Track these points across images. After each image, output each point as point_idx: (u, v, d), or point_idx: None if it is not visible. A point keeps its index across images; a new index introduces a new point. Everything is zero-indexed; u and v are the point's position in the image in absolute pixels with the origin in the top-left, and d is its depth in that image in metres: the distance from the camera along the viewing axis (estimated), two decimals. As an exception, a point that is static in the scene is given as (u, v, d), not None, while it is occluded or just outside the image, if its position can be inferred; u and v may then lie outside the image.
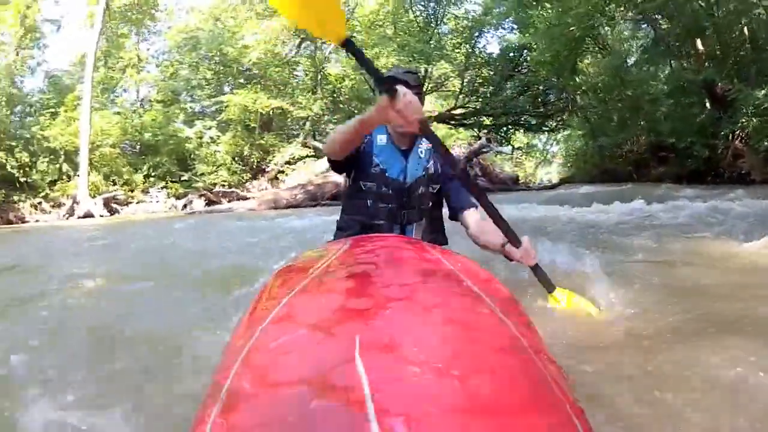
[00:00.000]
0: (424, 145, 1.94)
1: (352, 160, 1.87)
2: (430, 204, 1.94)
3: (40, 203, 17.69)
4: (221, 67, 19.49)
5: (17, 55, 19.12)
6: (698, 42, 13.22)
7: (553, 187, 20.42)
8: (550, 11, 16.65)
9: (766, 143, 10.44)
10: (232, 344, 0.87)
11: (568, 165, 24.59)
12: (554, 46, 15.71)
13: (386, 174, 1.95)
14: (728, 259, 3.33)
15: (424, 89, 20.14)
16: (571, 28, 14.61)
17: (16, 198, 17.43)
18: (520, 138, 24.80)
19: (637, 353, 1.88)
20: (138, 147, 18.63)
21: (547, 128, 23.09)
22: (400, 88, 1.40)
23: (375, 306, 0.78)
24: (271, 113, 19.06)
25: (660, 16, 14.60)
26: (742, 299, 2.42)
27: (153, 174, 17.93)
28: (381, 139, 1.96)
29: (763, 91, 10.08)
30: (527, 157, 27.98)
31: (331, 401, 0.53)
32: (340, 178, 15.67)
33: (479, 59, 20.91)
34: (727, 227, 4.46)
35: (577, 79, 17.81)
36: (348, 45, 1.58)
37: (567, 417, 0.56)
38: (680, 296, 2.49)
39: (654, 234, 4.41)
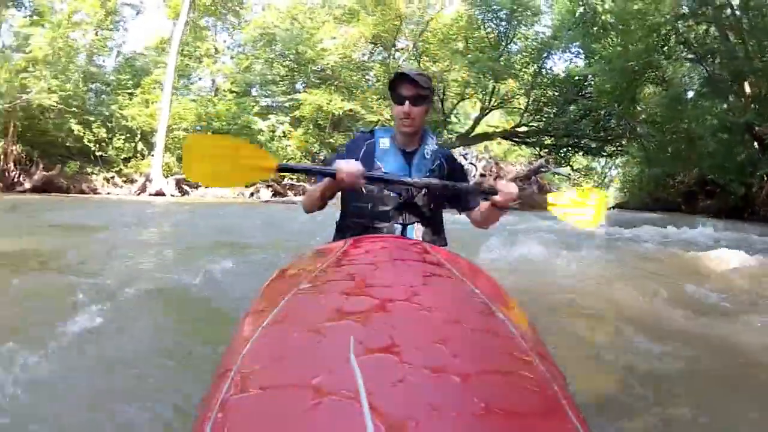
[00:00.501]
0: (431, 146, 1.97)
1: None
2: (432, 206, 1.96)
3: (112, 177, 19.05)
4: (295, 65, 19.39)
5: (96, 35, 20.71)
6: (746, 85, 14.87)
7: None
8: (613, 41, 18.76)
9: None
10: (232, 344, 0.89)
11: (624, 190, 26.22)
12: (615, 77, 17.40)
13: None
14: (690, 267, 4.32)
15: (490, 104, 23.85)
16: (630, 63, 16.34)
17: (89, 170, 18.64)
18: (579, 159, 26.95)
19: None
20: (210, 134, 18.83)
21: (606, 153, 24.73)
22: (337, 165, 1.69)
23: (374, 307, 0.79)
24: (341, 114, 20.84)
25: (711, 58, 16.34)
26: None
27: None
28: (384, 143, 1.97)
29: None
30: (585, 179, 27.24)
31: (328, 402, 0.54)
32: None
33: (545, 80, 22.71)
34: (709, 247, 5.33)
35: (638, 108, 19.61)
36: (281, 169, 1.84)
37: (567, 418, 0.57)
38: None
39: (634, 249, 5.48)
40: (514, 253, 4.19)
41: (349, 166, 1.68)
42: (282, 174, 19.56)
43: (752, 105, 14.34)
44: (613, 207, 22.62)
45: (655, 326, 2.44)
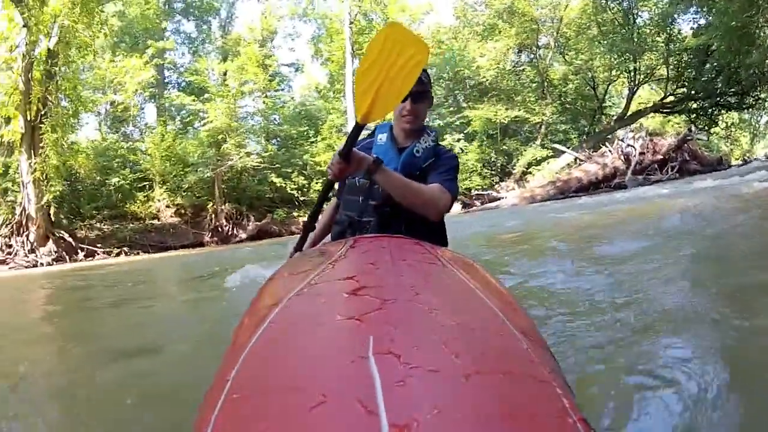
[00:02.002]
0: (424, 144, 1.89)
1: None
2: None
3: None
4: (452, 84, 20.11)
5: (266, 97, 22.47)
6: None
7: (744, 163, 23.84)
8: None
9: None
10: (233, 344, 0.88)
11: None
12: (727, 33, 17.99)
13: None
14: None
15: (636, 81, 24.18)
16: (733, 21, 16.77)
17: (295, 213, 20.09)
18: (732, 115, 26.91)
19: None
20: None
21: (746, 105, 24.51)
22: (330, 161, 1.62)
23: (377, 307, 0.77)
24: (508, 121, 21.76)
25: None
26: None
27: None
28: (381, 138, 1.95)
29: None
30: (741, 132, 26.57)
31: (336, 403, 0.52)
32: (582, 173, 18.90)
33: (677, 46, 23.09)
34: None
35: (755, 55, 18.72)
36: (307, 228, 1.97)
37: (567, 419, 0.56)
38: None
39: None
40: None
41: (334, 159, 1.62)
42: (467, 187, 20.10)
43: None
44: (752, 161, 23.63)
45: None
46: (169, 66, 23.87)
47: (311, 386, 0.56)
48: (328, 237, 2.06)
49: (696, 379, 1.48)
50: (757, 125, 31.45)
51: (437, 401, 0.52)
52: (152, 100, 22.39)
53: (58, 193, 15.93)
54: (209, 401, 0.66)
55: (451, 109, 22.87)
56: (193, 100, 20.29)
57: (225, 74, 21.77)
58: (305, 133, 21.43)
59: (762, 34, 18.14)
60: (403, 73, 1.51)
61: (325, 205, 2.07)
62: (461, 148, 21.28)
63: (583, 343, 1.83)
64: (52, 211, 16.33)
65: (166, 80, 23.74)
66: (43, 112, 15.58)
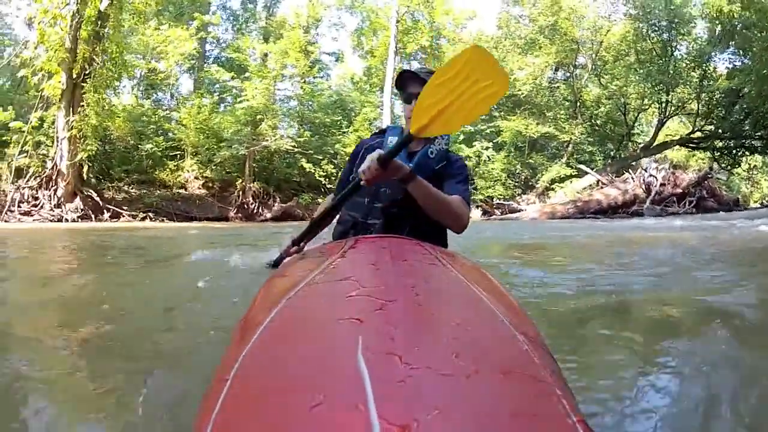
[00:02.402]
0: (437, 146, 1.90)
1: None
2: None
3: None
4: None
5: (305, 82, 23.01)
6: None
7: (762, 207, 24.28)
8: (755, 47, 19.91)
9: None
10: (233, 344, 0.87)
11: None
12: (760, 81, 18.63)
13: None
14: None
15: (667, 113, 24.60)
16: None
17: (320, 200, 19.81)
18: (756, 158, 27.31)
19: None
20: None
21: None
22: (365, 164, 1.56)
23: (374, 307, 0.77)
24: (537, 136, 22.27)
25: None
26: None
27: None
28: (391, 140, 1.93)
29: None
30: (763, 176, 27.02)
31: (335, 403, 0.53)
32: (602, 196, 19.55)
33: (711, 83, 23.42)
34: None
35: None
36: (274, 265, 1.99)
37: (567, 419, 0.57)
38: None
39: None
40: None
41: (370, 165, 1.57)
42: (490, 195, 20.30)
43: None
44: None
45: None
46: (211, 40, 23.97)
47: (311, 386, 0.57)
48: (324, 235, 2.05)
49: (693, 381, 1.55)
50: None
51: (437, 401, 0.53)
52: (191, 72, 22.45)
53: (93, 152, 16.20)
54: (209, 401, 0.66)
55: (483, 116, 23.13)
56: (233, 77, 20.37)
57: (266, 55, 21.82)
58: (338, 122, 21.61)
59: None
60: (476, 99, 1.47)
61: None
62: (488, 156, 21.51)
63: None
64: (85, 170, 16.66)
65: (207, 54, 23.78)
66: (87, 72, 15.82)
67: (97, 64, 16.12)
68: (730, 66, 23.49)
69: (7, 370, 1.61)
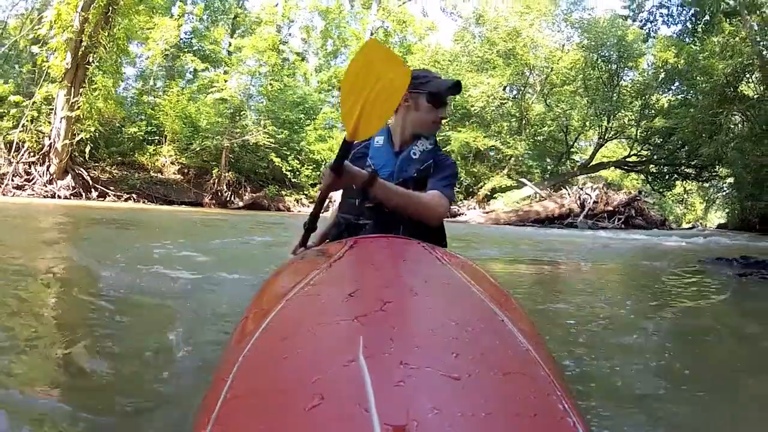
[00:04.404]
0: (422, 147, 2.16)
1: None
2: None
3: (301, 199, 27.03)
4: None
5: (274, 80, 28.12)
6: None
7: (690, 228, 32.24)
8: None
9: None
10: (232, 344, 1.01)
11: (726, 212, 33.56)
12: (693, 121, 25.14)
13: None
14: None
15: (606, 136, 32.04)
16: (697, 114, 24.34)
17: (284, 193, 26.63)
18: (687, 183, 34.55)
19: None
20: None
21: (703, 179, 31.95)
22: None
23: (374, 307, 0.86)
24: (484, 148, 28.68)
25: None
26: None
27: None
28: (378, 140, 2.22)
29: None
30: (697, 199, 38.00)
31: (334, 403, 0.60)
32: (541, 208, 23.65)
33: (651, 112, 30.29)
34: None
35: (723, 136, 25.13)
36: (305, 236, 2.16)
37: (567, 419, 0.65)
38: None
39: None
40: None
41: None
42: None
43: None
44: (692, 227, 32.16)
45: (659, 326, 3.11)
46: (186, 29, 28.56)
47: (310, 387, 0.63)
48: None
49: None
50: (713, 196, 39.08)
51: (436, 401, 0.58)
52: (169, 60, 26.87)
53: (91, 132, 20.40)
54: (208, 401, 0.75)
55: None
56: (206, 68, 25.10)
57: (240, 50, 26.78)
58: (301, 120, 27.66)
59: (725, 127, 24.75)
60: (384, 96, 1.68)
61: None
62: None
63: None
64: (87, 150, 21.20)
65: (183, 43, 28.25)
66: (92, 54, 19.67)
67: (104, 47, 19.96)
68: (672, 98, 30.54)
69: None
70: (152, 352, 2.06)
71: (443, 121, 2.30)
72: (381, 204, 1.98)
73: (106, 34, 19.86)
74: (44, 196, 19.36)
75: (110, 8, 19.99)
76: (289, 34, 30.75)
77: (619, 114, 30.00)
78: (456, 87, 2.17)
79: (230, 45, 29.17)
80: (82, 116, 19.75)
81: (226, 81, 24.82)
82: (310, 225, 2.10)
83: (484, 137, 28.02)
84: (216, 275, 3.89)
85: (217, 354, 1.55)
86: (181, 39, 28.50)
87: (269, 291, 1.31)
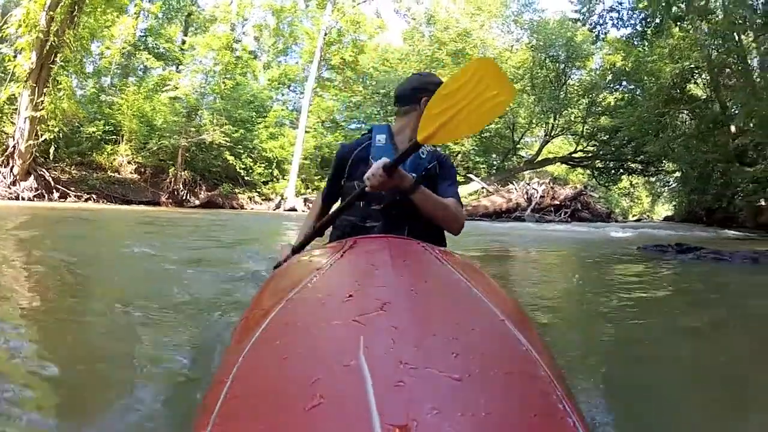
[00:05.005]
0: (427, 147, 2.31)
1: (340, 176, 2.49)
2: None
3: (253, 196, 30.02)
4: (386, 101, 33.16)
5: (228, 79, 30.56)
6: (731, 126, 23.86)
7: (637, 221, 36.04)
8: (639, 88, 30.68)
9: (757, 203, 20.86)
10: (232, 344, 1.06)
11: (673, 204, 37.94)
12: (639, 120, 27.81)
13: None
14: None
15: (552, 132, 38.25)
16: (644, 114, 26.94)
17: (237, 190, 29.53)
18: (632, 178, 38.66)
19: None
20: (319, 160, 27.70)
21: (649, 173, 36.01)
22: (371, 170, 1.98)
23: (376, 307, 0.89)
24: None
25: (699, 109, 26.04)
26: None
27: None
28: (380, 139, 2.37)
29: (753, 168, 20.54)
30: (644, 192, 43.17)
31: (334, 403, 0.62)
32: (489, 203, 27.54)
33: (598, 109, 34.00)
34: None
35: (668, 133, 27.95)
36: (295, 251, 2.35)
37: (567, 419, 0.68)
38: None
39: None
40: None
41: (282, 255, 2.41)
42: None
43: (734, 141, 21.92)
44: (638, 219, 36.59)
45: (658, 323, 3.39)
46: (142, 29, 30.58)
47: (311, 387, 0.65)
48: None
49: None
50: (660, 190, 43.14)
51: (437, 401, 0.61)
52: (125, 58, 28.82)
53: (54, 133, 21.29)
54: (208, 402, 0.79)
55: (383, 123, 31.21)
56: (161, 66, 27.38)
57: (194, 48, 29.01)
58: (253, 118, 31.05)
59: (671, 125, 27.52)
60: (482, 109, 1.83)
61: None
62: None
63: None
64: (51, 150, 22.32)
65: (138, 41, 30.22)
66: (56, 54, 20.33)
67: (69, 47, 20.85)
68: (620, 96, 33.98)
69: None
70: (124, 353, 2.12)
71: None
72: (388, 206, 2.19)
73: (72, 33, 20.82)
74: (8, 198, 20.31)
75: (76, 7, 20.78)
76: (243, 33, 33.20)
77: (566, 111, 33.93)
78: None
79: (184, 43, 31.77)
80: (46, 116, 20.75)
81: (179, 79, 27.10)
82: (320, 230, 2.28)
83: (434, 136, 30.49)
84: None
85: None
86: (137, 37, 31.05)
87: (269, 291, 1.40)
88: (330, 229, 2.42)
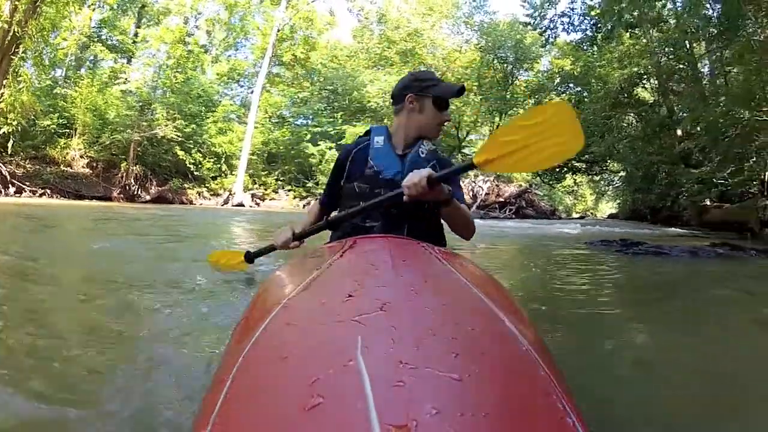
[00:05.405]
0: (427, 146, 2.47)
1: (339, 179, 2.61)
2: (426, 205, 2.36)
3: (202, 192, 32.21)
4: (333, 97, 36.11)
5: (178, 72, 32.30)
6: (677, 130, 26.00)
7: (581, 218, 39.20)
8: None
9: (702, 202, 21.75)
10: (232, 345, 1.11)
11: (617, 202, 40.63)
12: (588, 118, 30.04)
13: (380, 176, 2.46)
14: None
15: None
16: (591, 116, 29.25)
17: (186, 186, 31.61)
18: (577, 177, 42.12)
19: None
20: (266, 156, 32.24)
21: (594, 172, 38.76)
22: (411, 179, 2.05)
23: (375, 307, 0.91)
24: None
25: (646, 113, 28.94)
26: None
27: (281, 179, 34.35)
28: (378, 141, 2.49)
29: (698, 170, 21.73)
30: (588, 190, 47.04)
31: (333, 403, 0.64)
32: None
33: None
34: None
35: (614, 135, 30.20)
36: (248, 257, 3.09)
37: (567, 419, 0.69)
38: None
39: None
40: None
41: (279, 238, 2.68)
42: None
43: (680, 144, 22.86)
44: (582, 217, 39.31)
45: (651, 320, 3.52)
46: (96, 21, 32.06)
47: (310, 387, 0.68)
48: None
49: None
50: (604, 188, 46.21)
51: (436, 401, 0.63)
52: (79, 50, 30.41)
53: (13, 126, 22.02)
54: (208, 401, 0.82)
55: (330, 119, 33.10)
56: (114, 59, 30.55)
57: (146, 41, 31.95)
58: (202, 113, 33.24)
59: (617, 127, 29.35)
60: (547, 152, 1.87)
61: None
62: (332, 156, 32.52)
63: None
64: (10, 144, 23.14)
65: (93, 32, 31.84)
66: (18, 45, 20.71)
67: (30, 38, 21.40)
68: (566, 97, 36.97)
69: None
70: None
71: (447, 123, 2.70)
72: (388, 206, 2.27)
73: (35, 23, 21.17)
74: (-35, 193, 22.55)
75: (38, -3, 22.44)
76: (196, 27, 34.65)
77: (512, 111, 37.02)
78: (461, 91, 2.51)
79: (136, 35, 33.27)
80: (5, 109, 21.24)
81: (131, 72, 29.03)
82: (328, 224, 2.43)
83: (378, 131, 32.92)
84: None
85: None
86: (92, 28, 32.88)
87: (269, 291, 1.45)
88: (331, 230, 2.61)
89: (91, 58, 32.02)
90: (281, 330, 0.97)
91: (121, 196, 27.56)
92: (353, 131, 33.38)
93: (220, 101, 34.28)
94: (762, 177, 15.05)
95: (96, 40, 32.38)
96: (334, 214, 2.56)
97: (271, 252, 2.99)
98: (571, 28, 29.46)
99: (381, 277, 1.20)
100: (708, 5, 19.08)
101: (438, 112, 2.48)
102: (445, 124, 2.58)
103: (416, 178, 1.99)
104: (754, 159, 15.26)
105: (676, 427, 1.76)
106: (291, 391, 0.70)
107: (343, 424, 0.60)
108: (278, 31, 34.44)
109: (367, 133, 2.64)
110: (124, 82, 28.28)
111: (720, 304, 4.19)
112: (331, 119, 35.52)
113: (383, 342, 0.78)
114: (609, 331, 3.08)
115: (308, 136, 34.27)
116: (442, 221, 2.48)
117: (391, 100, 2.67)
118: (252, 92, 36.48)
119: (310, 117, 36.80)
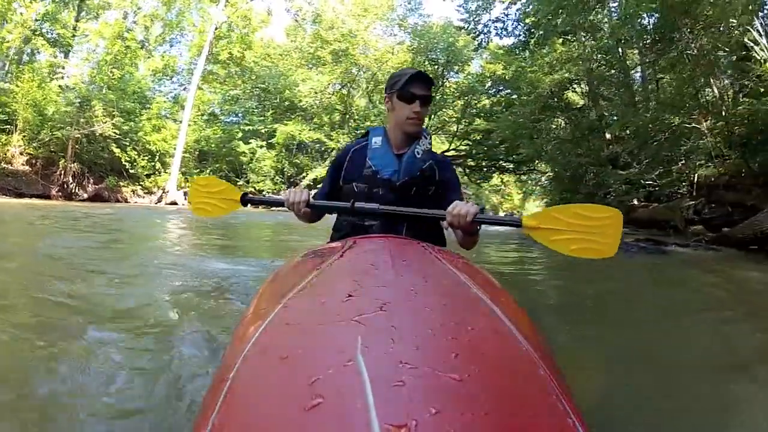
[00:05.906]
0: (422, 146, 2.57)
1: (336, 182, 2.77)
2: (426, 205, 2.43)
3: (136, 190, 35.45)
4: (264, 95, 39.18)
5: (115, 68, 34.68)
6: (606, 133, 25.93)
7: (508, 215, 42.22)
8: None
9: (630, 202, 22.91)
10: (232, 344, 1.14)
11: (545, 201, 42.99)
12: (514, 125, 31.89)
13: (378, 175, 2.58)
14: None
15: (430, 130, 41.08)
16: (520, 119, 30.75)
17: (121, 184, 34.67)
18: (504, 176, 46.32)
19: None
20: (197, 154, 38.40)
21: (522, 172, 42.23)
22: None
23: (375, 307, 0.94)
24: (309, 141, 39.06)
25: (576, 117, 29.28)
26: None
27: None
28: (376, 141, 2.60)
29: (625, 171, 23.33)
30: (515, 189, 50.55)
31: (333, 403, 0.65)
32: None
33: (473, 111, 40.19)
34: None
35: (543, 137, 31.71)
36: (245, 200, 2.82)
37: (567, 419, 0.71)
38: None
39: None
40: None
41: (293, 195, 2.63)
42: (260, 189, 34.05)
43: (609, 147, 24.16)
44: (511, 215, 41.83)
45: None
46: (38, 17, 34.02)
47: (309, 387, 0.70)
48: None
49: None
50: (531, 187, 49.31)
51: (436, 401, 0.65)
52: (22, 44, 32.59)
53: None
54: (209, 401, 0.85)
55: (261, 118, 36.08)
56: (54, 54, 33.89)
57: (86, 35, 34.55)
58: (137, 110, 35.97)
59: (545, 130, 30.16)
60: (583, 245, 2.09)
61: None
62: (262, 154, 36.04)
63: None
64: None
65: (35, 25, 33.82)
66: None
67: None
68: (495, 100, 39.61)
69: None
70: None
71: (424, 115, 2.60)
72: (387, 205, 2.32)
73: None
74: None
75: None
76: (134, 22, 36.77)
77: (441, 112, 40.89)
78: (415, 77, 2.53)
79: (75, 29, 35.07)
80: None
81: (68, 67, 31.61)
82: (352, 210, 2.35)
83: (309, 130, 38.38)
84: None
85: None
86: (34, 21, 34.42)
87: (269, 291, 1.49)
88: (330, 229, 2.80)
89: (28, 51, 33.18)
90: (281, 330, 1.04)
91: (60, 194, 28.79)
92: (284, 130, 37.31)
93: (153, 98, 36.43)
94: (691, 179, 16.33)
95: (38, 33, 33.37)
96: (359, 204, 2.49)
97: (275, 206, 3.06)
98: (504, 33, 31.34)
99: (381, 277, 1.28)
100: (644, 15, 19.59)
101: (406, 105, 2.54)
102: (416, 115, 2.54)
103: (463, 211, 2.22)
104: (683, 162, 16.88)
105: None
106: (291, 391, 0.75)
107: (343, 423, 0.64)
108: (216, 29, 37.06)
109: (366, 133, 2.78)
110: (62, 78, 30.14)
111: (639, 291, 4.85)
112: (262, 117, 39.17)
113: (383, 342, 0.83)
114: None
115: (240, 134, 37.57)
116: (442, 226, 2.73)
117: None
118: (185, 89, 39.82)
119: (241, 115, 40.10)
